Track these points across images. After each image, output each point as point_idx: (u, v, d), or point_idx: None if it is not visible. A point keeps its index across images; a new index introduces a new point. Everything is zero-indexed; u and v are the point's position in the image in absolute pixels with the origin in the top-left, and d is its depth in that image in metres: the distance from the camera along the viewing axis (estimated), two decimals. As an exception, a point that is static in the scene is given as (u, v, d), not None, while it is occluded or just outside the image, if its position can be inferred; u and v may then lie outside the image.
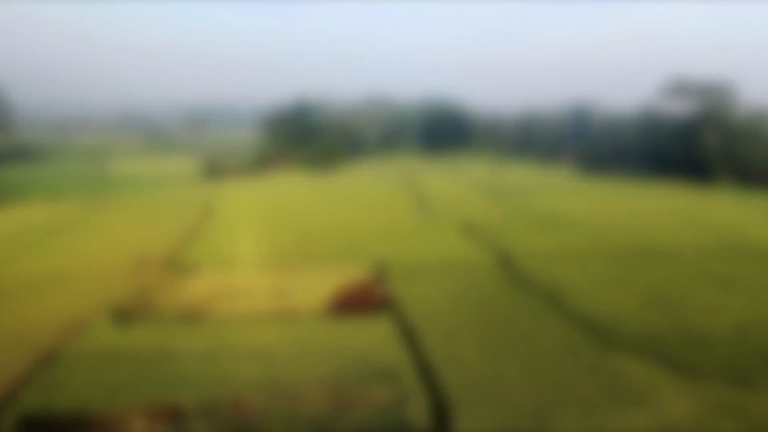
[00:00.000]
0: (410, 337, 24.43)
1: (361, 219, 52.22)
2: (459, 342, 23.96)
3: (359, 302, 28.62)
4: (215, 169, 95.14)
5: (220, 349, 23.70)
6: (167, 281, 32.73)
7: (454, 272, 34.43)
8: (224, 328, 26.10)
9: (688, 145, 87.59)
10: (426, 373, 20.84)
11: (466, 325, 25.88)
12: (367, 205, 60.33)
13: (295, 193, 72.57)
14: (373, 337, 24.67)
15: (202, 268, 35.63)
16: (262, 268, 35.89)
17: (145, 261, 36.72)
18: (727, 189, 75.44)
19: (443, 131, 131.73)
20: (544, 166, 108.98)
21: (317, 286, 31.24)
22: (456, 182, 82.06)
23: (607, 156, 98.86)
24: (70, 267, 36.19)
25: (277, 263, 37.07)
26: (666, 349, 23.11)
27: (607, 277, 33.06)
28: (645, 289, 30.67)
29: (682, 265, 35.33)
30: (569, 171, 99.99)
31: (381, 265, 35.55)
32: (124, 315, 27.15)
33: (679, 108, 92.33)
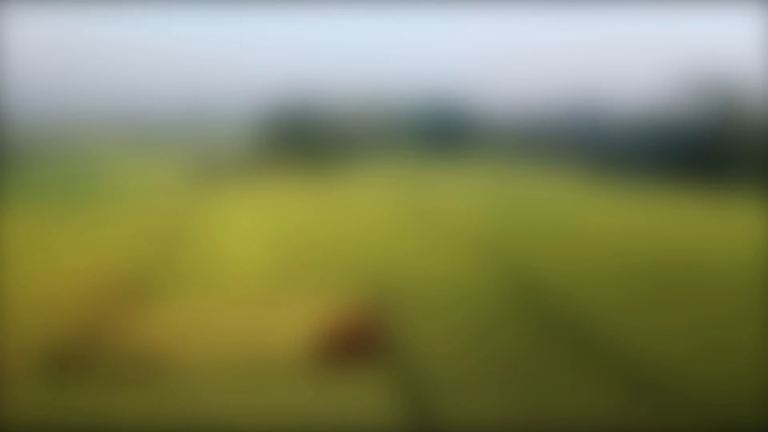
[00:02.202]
0: (414, 399, 19.74)
1: (358, 234, 48.17)
2: (478, 406, 19.22)
3: (352, 346, 23.96)
4: (204, 174, 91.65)
5: (174, 415, 19.18)
6: (122, 318, 28.32)
7: (467, 302, 29.98)
8: (182, 384, 21.56)
9: (707, 146, 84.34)
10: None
11: (484, 379, 21.16)
12: (365, 216, 56.38)
13: (288, 202, 68.66)
14: (368, 399, 20.01)
15: (170, 299, 31.14)
16: (241, 297, 31.57)
17: (101, 291, 32.29)
18: (752, 193, 71.23)
19: (446, 133, 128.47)
20: (556, 169, 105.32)
21: (302, 323, 26.76)
22: (462, 189, 78.23)
23: (623, 158, 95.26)
24: (3, 299, 31.38)
25: (258, 291, 32.78)
26: (750, 422, 18.30)
27: (649, 310, 28.21)
28: (698, 327, 25.69)
29: (736, 294, 30.60)
30: (582, 174, 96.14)
31: (380, 294, 31.10)
32: (62, 368, 22.54)
33: (697, 106, 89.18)
